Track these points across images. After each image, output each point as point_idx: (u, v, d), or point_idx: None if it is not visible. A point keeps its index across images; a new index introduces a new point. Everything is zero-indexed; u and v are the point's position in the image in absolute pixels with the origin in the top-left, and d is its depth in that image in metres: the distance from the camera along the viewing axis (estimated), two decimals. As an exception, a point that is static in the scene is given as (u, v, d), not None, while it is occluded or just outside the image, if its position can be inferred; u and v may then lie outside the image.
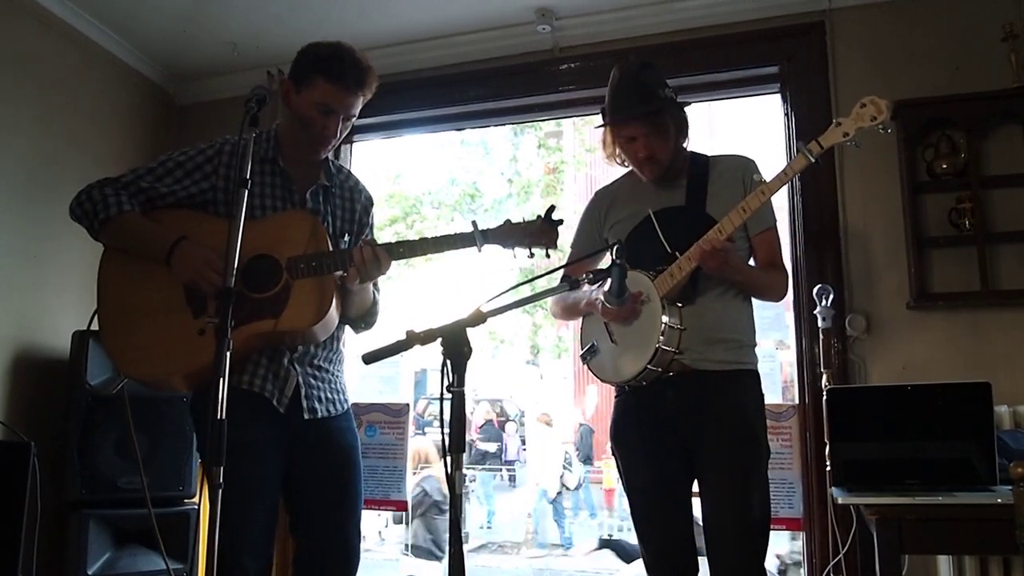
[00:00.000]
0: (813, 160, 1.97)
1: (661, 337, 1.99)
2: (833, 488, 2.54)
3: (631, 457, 2.17)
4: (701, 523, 2.07)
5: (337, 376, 2.15)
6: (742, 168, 2.20)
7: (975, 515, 2.12)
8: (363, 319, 2.19)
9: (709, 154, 2.27)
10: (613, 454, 2.23)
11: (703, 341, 2.07)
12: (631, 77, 2.16)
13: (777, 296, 2.23)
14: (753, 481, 2.03)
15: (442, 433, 1.48)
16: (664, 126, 2.14)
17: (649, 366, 2.00)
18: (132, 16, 3.43)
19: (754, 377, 2.15)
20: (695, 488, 2.13)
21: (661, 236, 2.14)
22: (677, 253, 2.08)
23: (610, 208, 2.30)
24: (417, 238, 2.04)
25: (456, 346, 1.52)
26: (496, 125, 4.24)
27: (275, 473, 1.99)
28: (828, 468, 2.66)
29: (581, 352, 2.22)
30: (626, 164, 2.27)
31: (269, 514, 1.98)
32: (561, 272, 2.07)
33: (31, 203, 3.17)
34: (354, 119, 2.08)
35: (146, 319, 1.96)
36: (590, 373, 2.18)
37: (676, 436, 2.08)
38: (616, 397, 2.24)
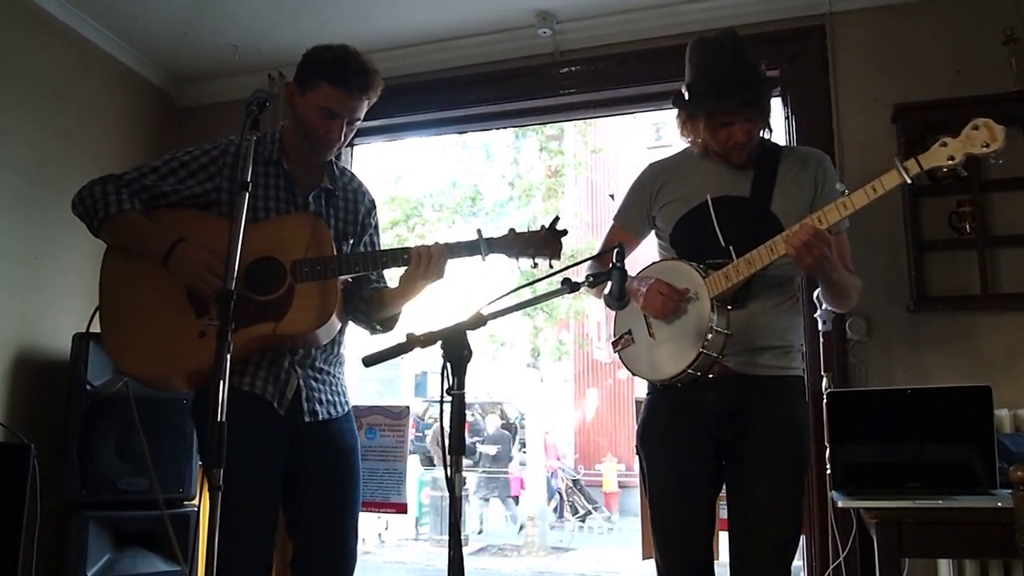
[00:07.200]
0: (909, 180, 1.77)
1: (706, 341, 1.86)
2: (833, 491, 2.54)
3: (657, 461, 2.06)
4: (728, 526, 2.01)
5: (338, 378, 2.15)
6: (817, 164, 2.04)
7: (975, 518, 2.12)
8: (393, 320, 2.16)
9: (780, 144, 2.10)
10: (637, 454, 2.13)
11: (749, 347, 1.96)
12: (730, 55, 1.93)
13: (853, 303, 2.08)
14: (796, 489, 1.97)
15: (441, 436, 1.48)
16: (765, 109, 1.99)
17: (689, 370, 1.88)
18: (133, 19, 3.43)
19: (801, 384, 2.05)
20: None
21: (716, 226, 1.99)
22: (732, 248, 1.94)
23: (664, 185, 2.12)
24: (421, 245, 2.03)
25: (456, 349, 1.52)
26: (497, 128, 4.25)
27: (275, 476, 1.99)
28: (828, 471, 2.65)
29: (613, 339, 2.09)
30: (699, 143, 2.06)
31: (269, 517, 1.98)
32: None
33: (32, 205, 3.17)
34: (358, 123, 2.06)
35: (147, 318, 1.96)
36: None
37: (709, 441, 1.98)
38: (647, 395, 2.13)
